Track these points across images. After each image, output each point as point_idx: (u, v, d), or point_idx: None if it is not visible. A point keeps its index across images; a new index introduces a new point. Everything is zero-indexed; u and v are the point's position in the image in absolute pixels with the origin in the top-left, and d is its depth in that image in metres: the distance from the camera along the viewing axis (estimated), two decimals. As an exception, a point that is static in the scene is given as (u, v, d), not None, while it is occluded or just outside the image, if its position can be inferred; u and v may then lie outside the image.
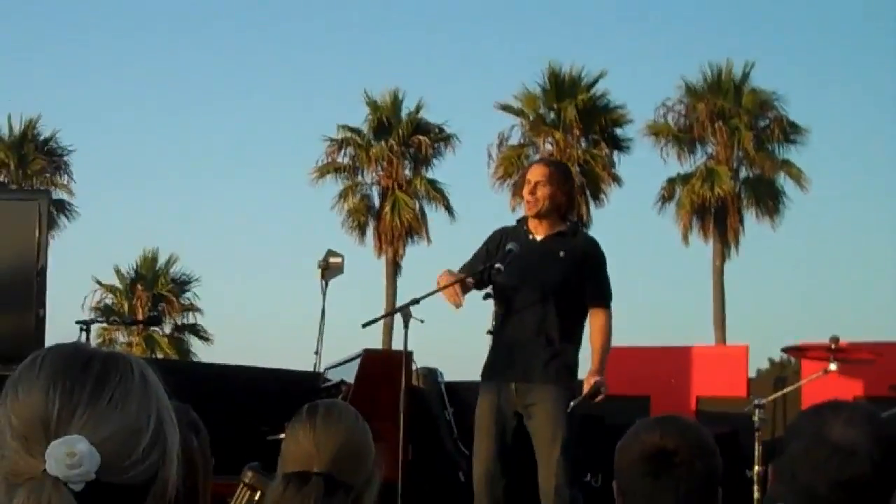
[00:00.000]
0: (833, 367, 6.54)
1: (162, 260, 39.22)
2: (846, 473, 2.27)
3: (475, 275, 5.67)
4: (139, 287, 38.27)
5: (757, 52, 51.54)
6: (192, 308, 39.18)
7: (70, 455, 1.21)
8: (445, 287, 5.55)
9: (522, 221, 5.86)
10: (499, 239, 5.79)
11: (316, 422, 2.76)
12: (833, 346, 6.55)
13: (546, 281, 5.61)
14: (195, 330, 39.01)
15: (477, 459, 5.57)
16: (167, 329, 38.27)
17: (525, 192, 5.76)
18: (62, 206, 34.74)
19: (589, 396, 5.42)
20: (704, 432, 2.76)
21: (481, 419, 5.60)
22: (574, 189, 6.04)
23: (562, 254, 5.66)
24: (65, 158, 36.23)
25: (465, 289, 5.65)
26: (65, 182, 36.06)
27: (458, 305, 5.58)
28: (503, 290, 5.66)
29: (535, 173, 5.78)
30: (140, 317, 34.31)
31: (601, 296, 5.72)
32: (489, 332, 5.76)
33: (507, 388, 5.57)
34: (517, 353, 5.60)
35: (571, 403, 5.39)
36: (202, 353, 38.16)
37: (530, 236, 5.74)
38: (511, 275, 5.58)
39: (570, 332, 5.64)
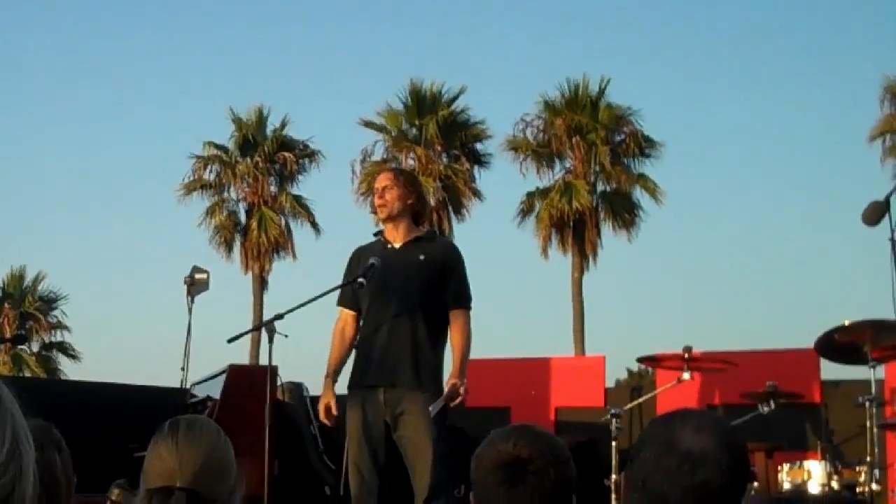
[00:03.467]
0: (687, 376, 6.71)
1: (29, 278, 38.66)
2: (695, 480, 2.34)
3: (348, 303, 5.77)
4: (6, 305, 37.59)
5: (613, 68, 52.36)
6: (59, 326, 38.69)
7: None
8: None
9: (379, 234, 5.93)
10: (357, 259, 5.84)
11: (178, 437, 2.77)
12: (686, 356, 6.72)
13: (409, 286, 5.65)
14: (63, 348, 38.55)
15: (352, 472, 5.54)
16: (35, 347, 37.82)
17: (375, 200, 5.88)
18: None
19: (447, 399, 5.40)
20: (558, 441, 2.83)
21: (352, 431, 5.58)
22: (423, 191, 6.11)
23: (422, 257, 5.71)
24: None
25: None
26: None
27: None
28: (369, 300, 5.69)
29: (381, 180, 5.94)
30: (7, 335, 33.57)
31: (461, 298, 5.74)
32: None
33: (374, 396, 5.57)
34: (385, 359, 5.59)
35: (430, 408, 5.37)
36: (70, 370, 37.80)
37: (388, 246, 5.80)
38: (375, 284, 5.61)
39: (435, 337, 5.66)
